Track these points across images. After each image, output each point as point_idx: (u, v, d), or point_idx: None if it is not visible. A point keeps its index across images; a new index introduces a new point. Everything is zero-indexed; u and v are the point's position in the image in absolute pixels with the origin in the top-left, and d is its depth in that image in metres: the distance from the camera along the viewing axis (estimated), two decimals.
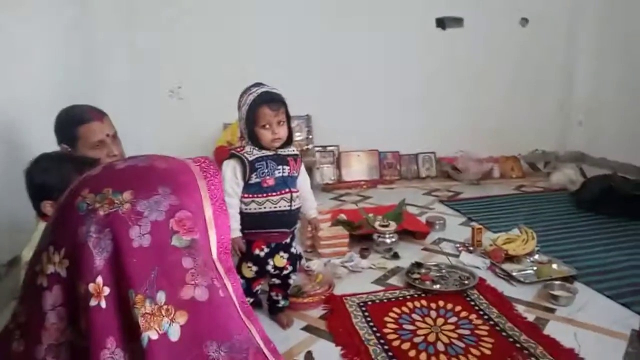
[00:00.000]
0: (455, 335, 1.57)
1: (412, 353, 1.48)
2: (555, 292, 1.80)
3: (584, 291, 1.84)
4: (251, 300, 1.60)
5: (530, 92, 3.83)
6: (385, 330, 1.60)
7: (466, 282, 1.92)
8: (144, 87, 3.30)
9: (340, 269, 2.07)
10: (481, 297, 1.82)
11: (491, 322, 1.64)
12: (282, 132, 1.56)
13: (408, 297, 1.83)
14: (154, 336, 0.84)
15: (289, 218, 1.60)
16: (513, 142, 3.85)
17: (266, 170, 1.54)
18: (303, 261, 1.89)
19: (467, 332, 1.59)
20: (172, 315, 0.87)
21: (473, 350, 1.48)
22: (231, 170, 1.54)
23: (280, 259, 1.61)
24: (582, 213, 2.84)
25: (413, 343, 1.53)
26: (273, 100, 1.54)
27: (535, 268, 2.02)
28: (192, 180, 0.98)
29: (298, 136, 3.46)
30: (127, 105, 3.03)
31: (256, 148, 1.56)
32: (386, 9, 3.54)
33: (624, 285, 1.88)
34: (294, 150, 1.64)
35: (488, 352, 1.48)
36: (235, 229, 1.52)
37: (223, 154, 1.96)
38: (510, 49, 3.75)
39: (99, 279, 0.84)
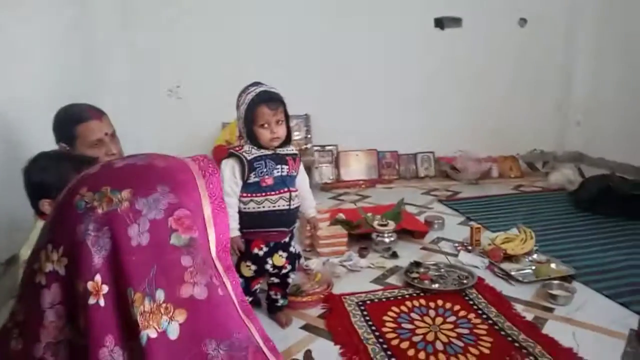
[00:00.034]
0: (454, 334, 1.58)
1: (410, 352, 1.48)
2: (554, 292, 1.80)
3: (583, 291, 1.85)
4: (250, 299, 1.60)
5: (529, 92, 3.84)
6: (384, 329, 1.60)
7: (465, 281, 1.93)
8: (143, 87, 3.31)
9: (339, 268, 2.08)
10: (480, 296, 1.82)
11: (490, 322, 1.64)
12: (281, 131, 1.56)
13: (407, 296, 1.83)
14: (153, 334, 0.84)
15: (288, 217, 1.60)
16: (512, 142, 3.86)
17: (265, 170, 1.54)
18: (302, 260, 1.89)
19: (465, 331, 1.59)
20: (171, 314, 0.87)
21: (472, 350, 1.49)
22: (230, 170, 1.54)
23: (279, 258, 1.61)
24: (581, 213, 2.85)
25: (412, 342, 1.53)
26: (271, 99, 1.54)
27: (533, 267, 2.02)
28: (191, 179, 0.98)
29: (297, 135, 3.46)
30: (127, 105, 3.05)
31: (255, 147, 1.56)
32: (386, 9, 3.54)
33: (622, 285, 1.89)
34: (292, 150, 1.64)
35: (487, 351, 1.48)
36: (233, 229, 1.52)
37: (222, 153, 1.95)
38: (509, 49, 3.75)
39: (98, 277, 0.84)
